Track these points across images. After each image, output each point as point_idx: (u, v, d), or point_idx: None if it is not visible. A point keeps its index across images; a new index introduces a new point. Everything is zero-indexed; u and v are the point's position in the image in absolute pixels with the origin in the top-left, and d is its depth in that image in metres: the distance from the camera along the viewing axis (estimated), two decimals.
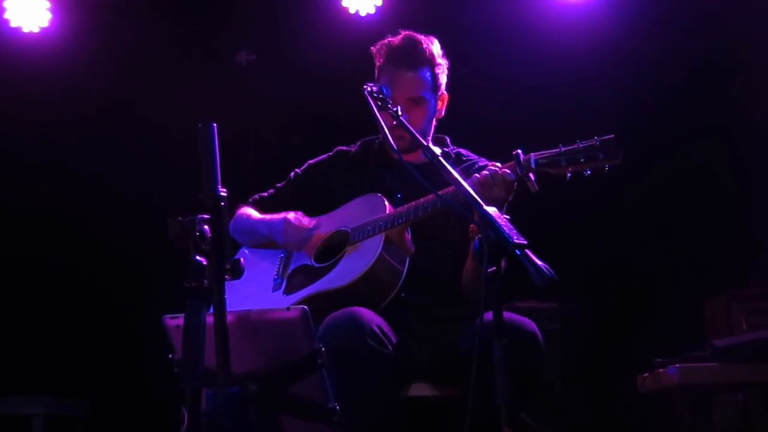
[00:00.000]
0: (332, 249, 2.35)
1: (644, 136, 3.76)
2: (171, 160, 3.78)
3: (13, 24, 3.99)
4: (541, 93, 3.90)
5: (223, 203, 1.42)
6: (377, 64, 2.44)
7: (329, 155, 2.57)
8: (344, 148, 2.57)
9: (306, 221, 2.37)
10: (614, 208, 3.92)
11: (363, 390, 1.97)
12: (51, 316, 4.13)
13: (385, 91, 2.19)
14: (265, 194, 2.59)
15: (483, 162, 2.43)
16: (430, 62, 2.38)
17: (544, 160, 2.03)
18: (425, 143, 2.00)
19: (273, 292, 2.38)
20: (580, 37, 3.98)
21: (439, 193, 1.98)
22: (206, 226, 1.37)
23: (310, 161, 2.58)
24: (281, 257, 2.46)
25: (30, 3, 3.97)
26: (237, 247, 2.56)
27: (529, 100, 3.92)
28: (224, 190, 1.44)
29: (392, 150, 2.28)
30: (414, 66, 2.35)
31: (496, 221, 1.65)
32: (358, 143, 2.56)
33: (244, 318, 1.55)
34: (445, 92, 2.45)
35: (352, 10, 4.03)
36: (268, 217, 2.46)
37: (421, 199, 2.20)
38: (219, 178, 1.43)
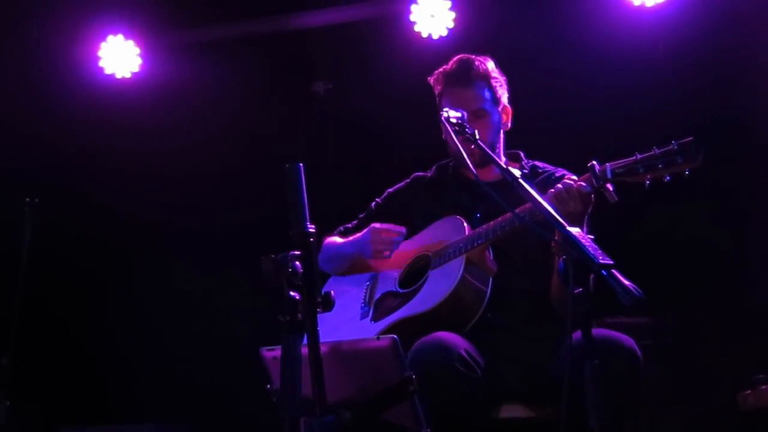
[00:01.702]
0: (416, 274, 2.39)
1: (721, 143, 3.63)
2: (264, 198, 3.92)
3: (107, 71, 4.24)
4: (618, 102, 3.84)
5: (312, 239, 1.49)
6: (437, 92, 2.50)
7: (407, 182, 2.62)
8: (420, 174, 2.62)
9: (392, 225, 2.42)
10: (710, 214, 3.77)
11: (454, 414, 2.00)
12: (149, 345, 4.32)
13: (462, 114, 2.23)
14: (350, 225, 2.66)
15: (560, 172, 2.43)
16: (485, 77, 2.43)
17: (620, 170, 2.00)
18: (502, 164, 2.01)
19: (361, 320, 2.43)
20: (656, 44, 3.90)
21: (517, 210, 1.99)
22: (298, 262, 1.44)
23: (389, 189, 2.64)
24: (367, 285, 2.52)
25: (122, 50, 4.22)
26: (326, 276, 2.64)
27: (606, 110, 3.86)
28: (312, 226, 1.50)
29: (469, 170, 2.31)
30: (470, 82, 2.41)
31: (579, 241, 1.65)
32: (434, 168, 2.61)
33: (337, 348, 1.61)
34: (507, 105, 2.49)
35: (424, 34, 4.09)
36: (352, 237, 2.53)
37: (499, 218, 2.21)
38: (307, 216, 1.50)
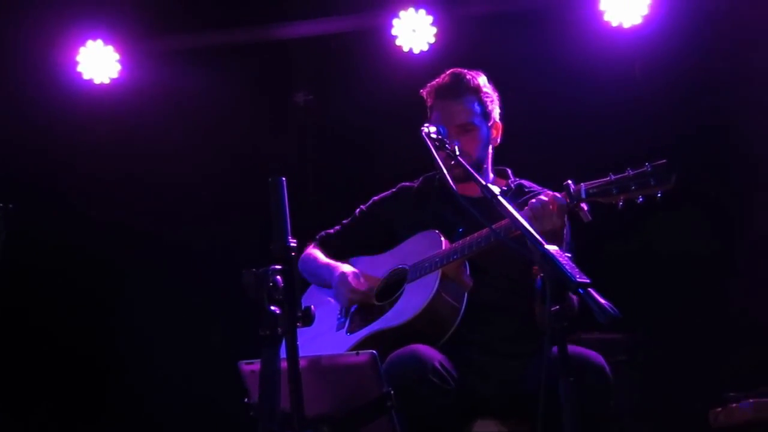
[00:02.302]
0: (392, 287, 2.40)
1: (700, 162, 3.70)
2: (242, 207, 3.90)
3: (86, 76, 4.20)
4: (596, 120, 3.89)
5: (293, 254, 1.49)
6: (428, 104, 2.52)
7: (393, 191, 2.62)
8: (407, 184, 2.62)
9: (357, 282, 2.41)
10: (685, 231, 3.83)
11: (429, 428, 2.00)
12: (129, 354, 4.26)
13: (441, 130, 2.24)
14: (332, 231, 2.67)
15: (547, 193, 2.44)
16: (476, 91, 2.44)
17: (594, 190, 2.04)
18: (481, 181, 2.04)
19: (336, 331, 2.44)
20: (632, 63, 3.97)
21: (494, 226, 2.01)
22: (279, 277, 1.44)
23: (375, 197, 2.64)
24: None
25: (101, 55, 4.18)
26: (307, 284, 2.64)
27: (584, 128, 3.91)
28: (294, 240, 1.51)
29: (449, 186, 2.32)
30: (460, 95, 2.43)
31: (557, 259, 1.67)
32: (420, 179, 2.61)
33: (316, 363, 1.61)
34: (498, 121, 2.50)
35: (405, 48, 4.11)
36: (332, 264, 2.54)
37: (476, 234, 2.22)
38: (289, 230, 1.50)
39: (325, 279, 2.52)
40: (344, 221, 2.66)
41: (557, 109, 3.95)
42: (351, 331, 2.39)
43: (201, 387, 4.00)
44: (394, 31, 4.06)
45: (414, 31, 4.05)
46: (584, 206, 2.06)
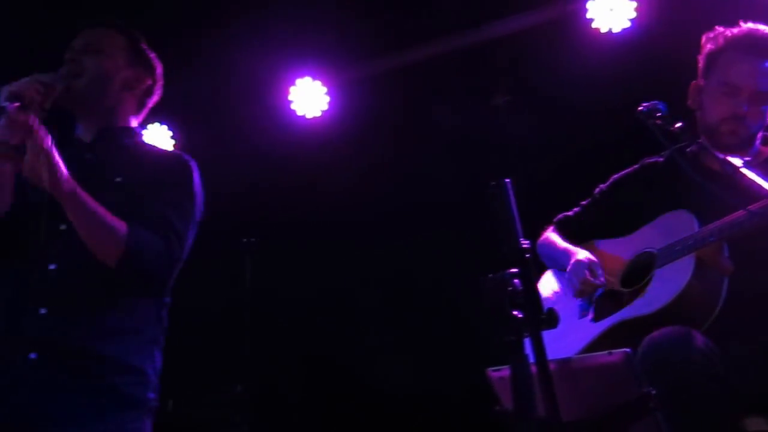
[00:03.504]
0: (638, 272, 2.24)
1: None
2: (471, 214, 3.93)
3: (299, 112, 4.49)
4: None
5: (527, 255, 1.46)
6: (708, 49, 2.25)
7: (635, 169, 2.45)
8: (651, 159, 2.42)
9: (593, 273, 2.29)
10: None
11: (698, 418, 1.81)
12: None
13: (660, 107, 2.09)
14: (570, 213, 2.57)
15: None
16: None
17: None
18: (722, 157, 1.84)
19: (580, 319, 2.33)
20: None
21: (752, 208, 1.80)
22: (517, 280, 1.42)
23: (615, 176, 2.48)
24: None
25: (310, 91, 4.43)
26: (543, 267, 2.57)
27: None
28: (526, 242, 1.48)
29: (712, 159, 2.11)
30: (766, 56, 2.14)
31: None
32: (667, 152, 2.34)
33: (565, 365, 1.56)
34: None
35: (603, 30, 3.92)
36: (569, 249, 2.42)
37: (733, 215, 1.99)
38: (520, 231, 1.48)
39: (563, 264, 2.42)
40: (583, 202, 2.55)
41: None
42: (597, 318, 2.27)
43: (450, 393, 4.06)
44: (589, 15, 3.89)
45: (611, 10, 3.85)
46: None
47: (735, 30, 2.22)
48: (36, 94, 1.86)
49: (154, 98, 2.29)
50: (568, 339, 2.22)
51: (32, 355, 1.85)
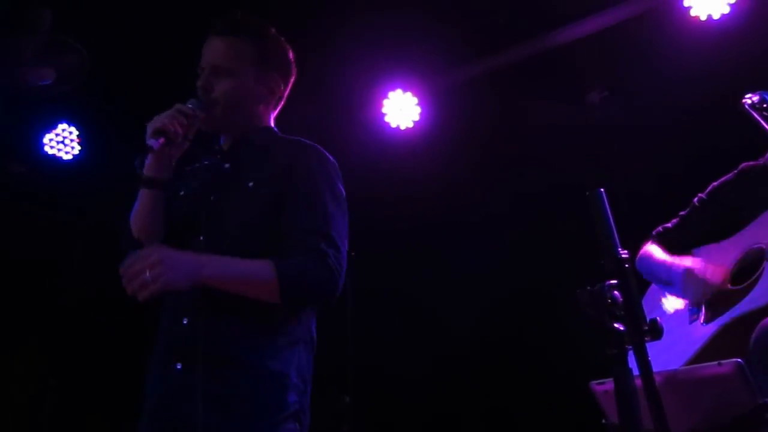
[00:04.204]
0: (747, 269, 2.19)
1: None
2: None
3: (393, 125, 4.56)
4: None
5: (626, 265, 1.43)
6: None
7: (734, 174, 2.40)
8: (750, 163, 2.37)
9: (710, 273, 2.24)
10: None
11: None
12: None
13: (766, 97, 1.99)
14: (669, 225, 2.52)
15: None
16: None
17: None
18: None
19: (690, 324, 2.28)
20: None
21: None
22: (616, 292, 1.39)
23: (714, 183, 2.44)
24: None
25: (403, 102, 4.51)
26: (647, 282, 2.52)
27: None
28: (625, 252, 1.44)
29: None
30: None
31: None
32: (766, 155, 2.32)
33: (672, 378, 1.52)
34: None
35: (703, 17, 3.74)
36: (669, 261, 2.38)
37: None
38: (618, 242, 1.45)
39: (663, 278, 2.37)
40: (682, 212, 2.49)
41: None
42: (708, 320, 2.21)
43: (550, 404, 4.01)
44: (686, 2, 3.73)
45: None
46: None
47: None
48: (179, 127, 1.90)
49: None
50: (677, 347, 2.17)
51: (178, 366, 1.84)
